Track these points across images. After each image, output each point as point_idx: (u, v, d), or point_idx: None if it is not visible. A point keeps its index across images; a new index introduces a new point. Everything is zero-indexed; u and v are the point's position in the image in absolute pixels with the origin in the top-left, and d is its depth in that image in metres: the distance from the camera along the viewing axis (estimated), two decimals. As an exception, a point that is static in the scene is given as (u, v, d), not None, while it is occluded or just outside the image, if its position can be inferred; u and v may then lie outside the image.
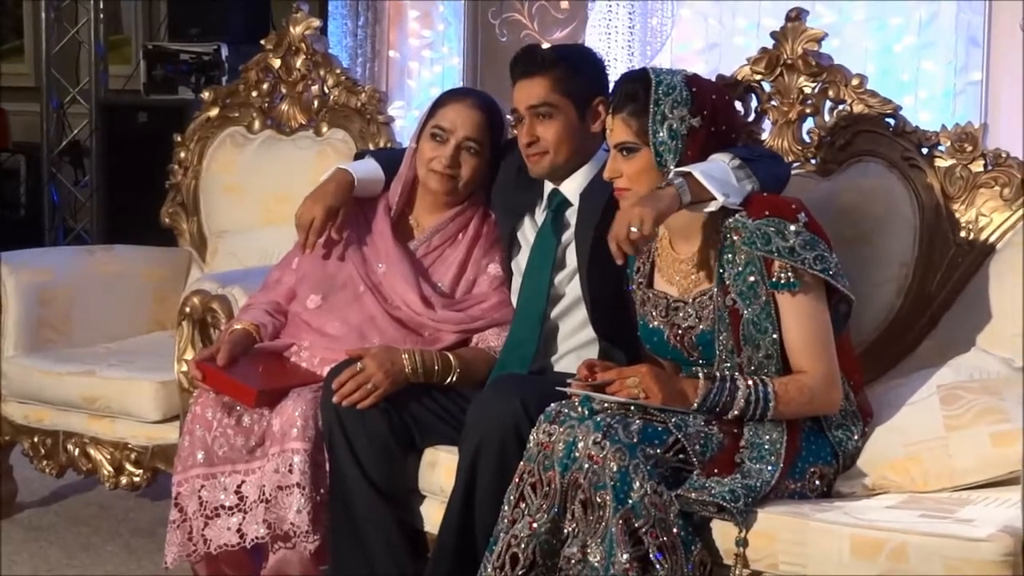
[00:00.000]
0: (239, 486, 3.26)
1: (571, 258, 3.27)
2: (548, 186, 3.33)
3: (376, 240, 3.43)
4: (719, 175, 2.81)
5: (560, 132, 3.21)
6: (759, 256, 2.80)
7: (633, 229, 2.73)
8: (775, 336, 2.83)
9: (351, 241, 3.44)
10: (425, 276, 3.40)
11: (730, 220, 2.84)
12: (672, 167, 2.85)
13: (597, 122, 3.24)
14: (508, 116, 3.44)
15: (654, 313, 3.03)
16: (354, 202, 3.47)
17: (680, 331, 2.97)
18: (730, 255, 2.85)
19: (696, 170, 2.80)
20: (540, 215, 3.35)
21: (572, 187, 3.28)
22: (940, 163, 3.31)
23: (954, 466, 2.85)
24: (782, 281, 2.80)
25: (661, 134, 2.87)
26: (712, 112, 2.93)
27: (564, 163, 3.25)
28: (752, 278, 2.82)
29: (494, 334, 3.35)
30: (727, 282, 2.85)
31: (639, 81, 2.92)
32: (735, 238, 2.83)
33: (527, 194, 3.39)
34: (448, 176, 3.36)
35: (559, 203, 3.30)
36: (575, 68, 3.25)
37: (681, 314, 2.97)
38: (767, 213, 2.81)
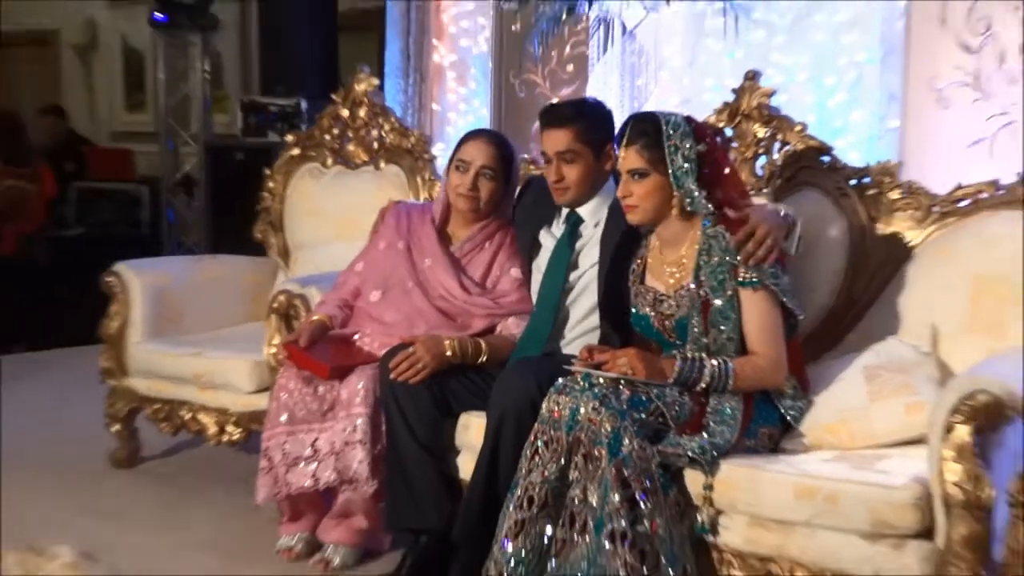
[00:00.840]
0: (314, 441, 3.26)
1: (583, 261, 3.29)
2: (563, 208, 3.34)
3: (423, 242, 3.45)
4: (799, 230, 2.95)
5: (580, 172, 3.22)
6: (730, 262, 2.82)
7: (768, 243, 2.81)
8: (736, 323, 2.85)
9: (402, 248, 3.45)
10: (462, 270, 3.41)
11: (711, 230, 2.87)
12: (690, 186, 2.86)
13: (608, 163, 3.25)
14: (524, 156, 3.45)
15: (643, 303, 3.04)
16: (405, 217, 3.51)
17: (662, 317, 2.98)
18: (706, 257, 2.87)
19: (799, 223, 2.95)
20: (556, 228, 3.36)
21: (587, 210, 3.30)
22: (865, 192, 3.31)
23: (875, 429, 2.86)
24: (746, 280, 2.83)
25: (678, 160, 2.87)
26: (711, 139, 2.96)
27: (583, 195, 3.27)
28: (722, 276, 2.84)
29: (515, 323, 3.35)
30: (702, 278, 2.88)
31: (649, 121, 2.92)
32: (713, 244, 2.86)
33: (545, 213, 3.40)
34: (470, 197, 3.38)
35: (575, 221, 3.32)
36: (592, 122, 3.25)
37: (665, 305, 2.98)
38: None
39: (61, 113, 8.28)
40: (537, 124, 3.35)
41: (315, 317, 3.46)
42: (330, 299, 3.53)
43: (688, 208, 2.90)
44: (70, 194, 7.99)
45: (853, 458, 2.75)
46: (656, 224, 2.99)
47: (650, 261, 3.07)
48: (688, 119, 2.96)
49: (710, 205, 2.88)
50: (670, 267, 2.99)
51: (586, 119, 3.24)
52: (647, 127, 2.91)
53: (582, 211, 3.31)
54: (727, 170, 3.00)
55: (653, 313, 3.01)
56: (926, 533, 2.54)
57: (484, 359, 3.25)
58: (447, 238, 3.49)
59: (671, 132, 2.89)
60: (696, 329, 2.90)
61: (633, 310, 3.08)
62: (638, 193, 2.92)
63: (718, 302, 2.86)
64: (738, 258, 2.82)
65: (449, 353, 3.19)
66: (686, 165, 2.87)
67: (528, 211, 3.47)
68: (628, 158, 2.92)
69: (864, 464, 2.70)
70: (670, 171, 2.88)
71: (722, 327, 2.86)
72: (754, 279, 2.83)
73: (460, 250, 3.45)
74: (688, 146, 2.88)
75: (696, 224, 2.93)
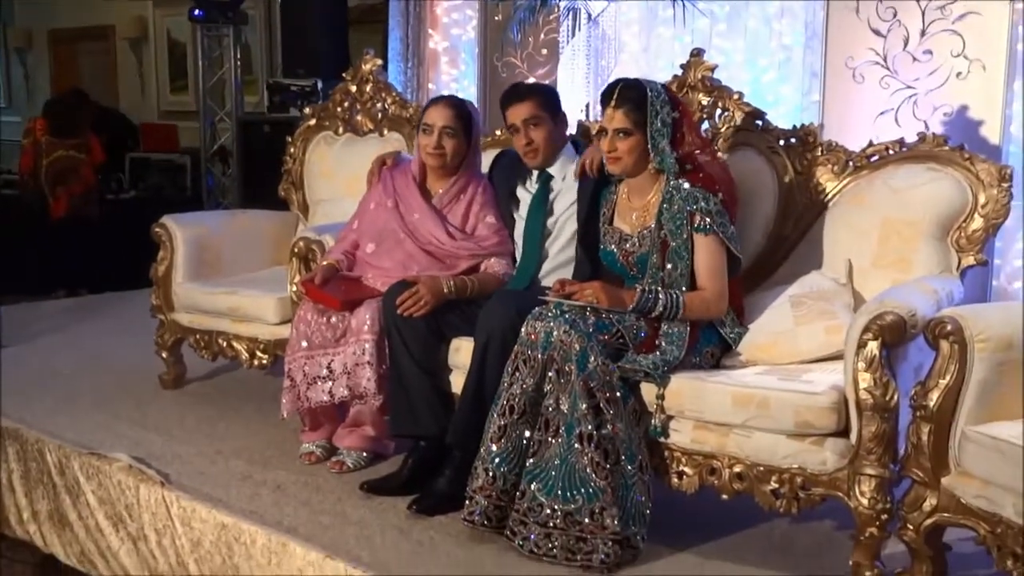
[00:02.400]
0: (329, 363, 3.23)
1: (557, 207, 3.27)
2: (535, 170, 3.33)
3: (409, 200, 3.38)
4: None
5: (546, 135, 3.22)
6: (688, 210, 2.79)
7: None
8: (688, 262, 2.81)
9: (391, 206, 3.39)
10: (445, 220, 3.35)
11: (673, 182, 2.84)
12: (663, 146, 2.83)
13: (564, 127, 3.29)
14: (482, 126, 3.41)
15: (610, 241, 3.01)
16: (390, 179, 3.44)
17: (626, 253, 2.95)
18: (668, 205, 2.83)
19: None
20: (531, 185, 3.34)
21: (555, 168, 3.28)
22: (792, 150, 3.26)
23: (800, 347, 2.84)
24: (701, 226, 2.80)
25: (656, 124, 2.83)
26: (681, 107, 2.92)
27: (549, 156, 3.26)
28: (680, 221, 2.81)
29: (496, 262, 3.31)
30: (663, 222, 2.84)
31: (635, 88, 2.87)
32: (675, 194, 2.82)
33: (517, 174, 3.38)
34: (438, 155, 3.32)
35: (546, 178, 3.30)
36: (547, 96, 3.31)
37: (629, 244, 2.95)
38: (699, 184, 2.82)
39: (84, 96, 8.13)
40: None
41: (325, 262, 3.42)
42: (335, 250, 3.48)
43: (659, 167, 2.87)
44: (125, 164, 7.95)
45: (781, 372, 2.74)
46: (632, 176, 2.94)
47: (618, 206, 3.03)
48: (666, 88, 2.93)
49: (676, 164, 2.84)
50: (636, 211, 2.95)
51: (542, 94, 3.30)
52: (633, 94, 2.86)
53: (552, 170, 3.29)
54: (694, 132, 2.96)
55: (618, 250, 2.97)
56: (842, 432, 2.54)
57: (474, 293, 3.20)
58: (426, 193, 3.42)
59: (654, 100, 2.84)
60: (654, 265, 2.87)
61: (601, 247, 3.04)
62: (622, 149, 2.87)
63: (674, 243, 2.82)
64: (697, 208, 2.78)
65: (447, 291, 3.15)
66: (663, 129, 2.84)
67: (503, 175, 3.44)
68: (615, 118, 2.87)
69: (791, 376, 2.68)
70: (648, 133, 2.83)
71: (676, 264, 2.82)
72: (707, 225, 2.79)
73: (440, 202, 3.38)
74: (666, 112, 2.85)
75: (663, 177, 2.89)
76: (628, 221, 2.97)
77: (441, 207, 3.37)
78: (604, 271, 3.07)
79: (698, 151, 2.93)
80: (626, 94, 2.86)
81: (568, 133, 3.41)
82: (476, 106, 3.54)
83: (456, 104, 3.38)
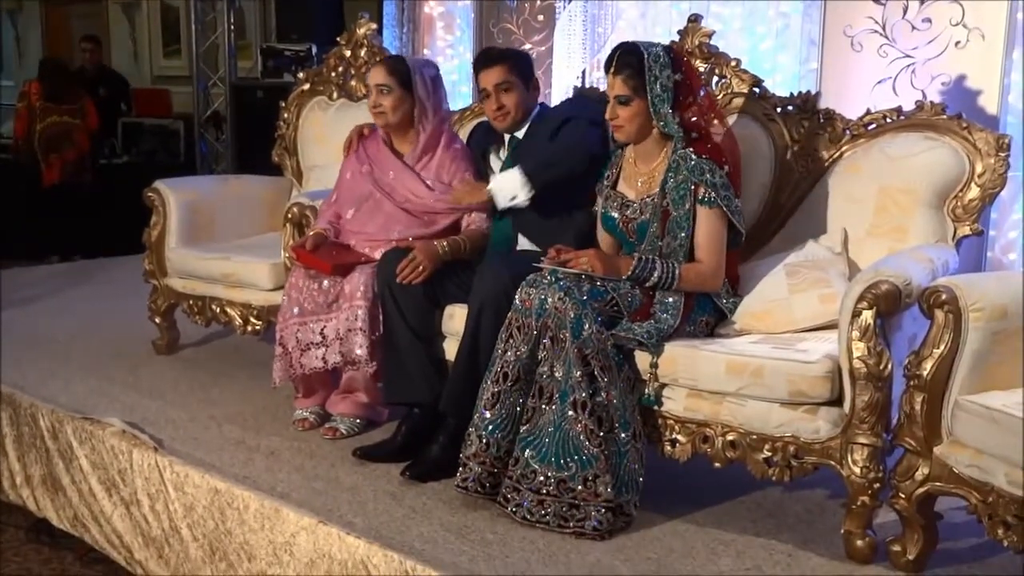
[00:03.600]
0: (322, 329, 3.22)
1: None
2: (506, 136, 3.32)
3: (382, 162, 3.38)
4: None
5: (517, 98, 3.21)
6: (693, 181, 2.76)
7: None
8: (688, 233, 2.79)
9: (364, 171, 3.39)
10: (420, 176, 3.35)
11: (681, 151, 2.80)
12: (665, 112, 2.79)
13: (535, 93, 3.29)
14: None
15: (612, 206, 2.98)
16: (361, 147, 3.45)
17: (626, 220, 2.92)
18: (674, 174, 2.80)
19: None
20: (502, 153, 3.33)
21: (522, 134, 3.27)
22: (789, 117, 3.22)
23: (794, 316, 2.83)
24: (705, 199, 2.77)
25: (656, 90, 2.79)
26: (687, 68, 2.87)
27: (519, 120, 3.25)
28: (684, 192, 2.78)
29: (479, 217, 3.30)
30: (667, 191, 2.81)
31: (633, 53, 2.81)
32: (681, 164, 2.78)
33: (490, 142, 3.37)
34: (378, 113, 3.34)
35: (516, 144, 3.29)
36: (518, 60, 3.28)
37: (630, 210, 2.92)
38: (705, 156, 2.78)
39: (99, 42, 8.08)
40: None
41: (312, 232, 3.40)
42: (319, 222, 3.47)
43: (664, 131, 2.83)
44: (117, 129, 7.90)
45: (776, 340, 2.72)
46: (638, 142, 2.91)
47: (624, 170, 3.00)
48: (668, 49, 2.87)
49: (682, 130, 2.80)
50: (642, 177, 2.92)
51: (513, 59, 3.28)
52: (631, 59, 2.81)
53: (520, 135, 3.28)
54: (700, 96, 2.89)
55: (619, 216, 2.95)
56: (835, 401, 2.53)
57: (467, 252, 3.21)
58: (397, 154, 3.41)
59: (651, 64, 2.79)
60: (653, 233, 2.84)
61: (602, 211, 3.01)
62: (623, 116, 2.84)
63: (675, 213, 2.79)
64: (703, 180, 2.75)
65: (441, 253, 3.15)
66: (663, 94, 2.79)
67: (478, 144, 3.44)
68: (615, 86, 2.83)
69: (785, 345, 2.67)
70: (648, 99, 2.79)
71: (676, 235, 2.79)
72: (711, 199, 2.76)
73: (411, 160, 3.38)
74: (666, 76, 2.79)
75: (670, 144, 2.85)
76: (633, 186, 2.94)
77: (414, 164, 3.36)
78: (595, 244, 3.04)
79: (698, 117, 2.88)
80: (625, 59, 2.81)
81: (541, 101, 3.39)
82: (433, 61, 3.55)
83: (388, 61, 3.42)
